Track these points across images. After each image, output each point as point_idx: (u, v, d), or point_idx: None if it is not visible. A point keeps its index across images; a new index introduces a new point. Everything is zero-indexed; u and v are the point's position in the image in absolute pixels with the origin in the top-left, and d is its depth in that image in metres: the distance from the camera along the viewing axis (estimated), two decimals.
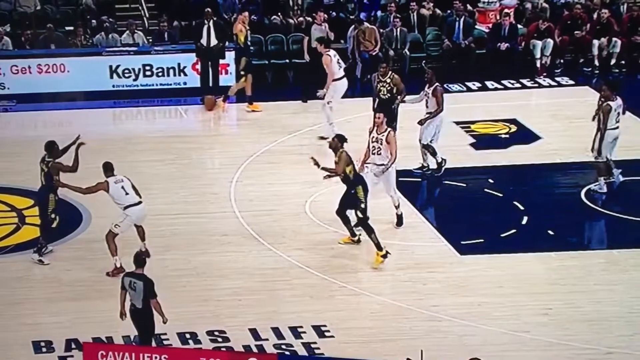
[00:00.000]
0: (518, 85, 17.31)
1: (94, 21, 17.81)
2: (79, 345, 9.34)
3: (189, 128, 15.99)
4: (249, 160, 14.06)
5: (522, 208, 12.51)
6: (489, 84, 17.27)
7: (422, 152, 13.56)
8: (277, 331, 9.85)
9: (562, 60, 18.05)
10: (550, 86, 17.39)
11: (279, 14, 18.33)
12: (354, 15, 18.33)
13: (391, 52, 17.51)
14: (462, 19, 17.89)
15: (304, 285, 10.76)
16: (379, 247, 11.10)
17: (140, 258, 9.03)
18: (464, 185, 13.37)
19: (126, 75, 16.80)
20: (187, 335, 9.78)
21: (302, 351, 9.52)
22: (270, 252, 11.44)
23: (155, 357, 8.32)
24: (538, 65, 17.78)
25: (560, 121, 15.62)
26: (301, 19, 18.16)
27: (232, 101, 16.34)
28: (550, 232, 11.88)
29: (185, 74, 16.92)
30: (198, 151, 14.70)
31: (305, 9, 18.40)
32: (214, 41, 16.30)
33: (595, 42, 17.92)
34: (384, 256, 11.08)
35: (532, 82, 17.47)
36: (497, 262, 11.22)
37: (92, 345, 9.01)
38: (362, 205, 11.16)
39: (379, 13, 18.48)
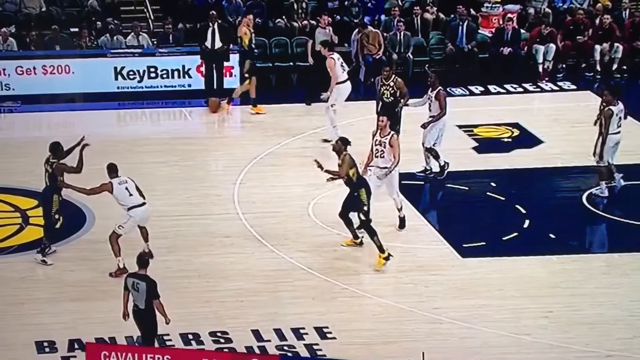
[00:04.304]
0: (520, 89, 17.35)
1: (99, 23, 17.86)
2: (82, 346, 9.36)
3: (193, 130, 16.04)
4: (253, 162, 14.11)
5: (523, 211, 12.55)
6: (491, 88, 17.32)
7: (425, 155, 13.60)
8: (279, 332, 9.89)
9: (564, 65, 18.09)
10: (553, 91, 17.43)
11: (283, 17, 18.39)
12: (357, 18, 18.38)
13: (395, 56, 17.56)
14: (465, 24, 17.94)
15: (306, 287, 10.80)
16: (381, 249, 11.14)
17: (144, 259, 9.07)
18: (466, 188, 13.41)
19: (131, 77, 16.86)
20: (190, 336, 9.82)
21: (304, 352, 9.55)
22: (272, 254, 11.48)
23: (158, 358, 8.35)
24: (540, 69, 17.83)
25: (562, 125, 15.66)
26: (305, 22, 18.22)
27: (236, 103, 16.39)
28: (551, 235, 11.92)
29: (190, 76, 16.98)
30: (202, 153, 14.75)
31: (310, 12, 18.45)
32: (218, 44, 16.36)
33: (597, 47, 17.97)
34: (386, 258, 11.12)
35: (535, 86, 17.51)
36: (498, 265, 11.26)
37: (95, 345, 9.04)
38: (365, 208, 11.20)
39: (382, 17, 18.53)
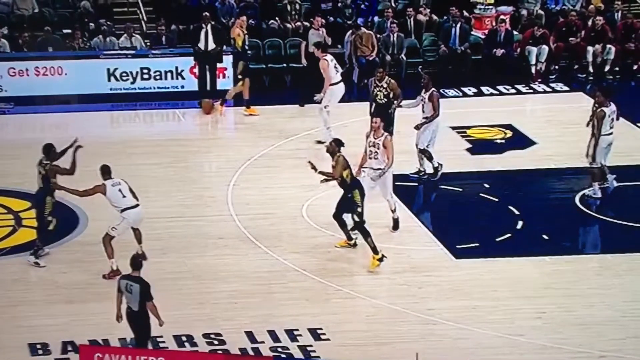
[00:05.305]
0: (513, 90, 17.38)
1: (91, 24, 17.83)
2: (75, 348, 9.36)
3: (186, 131, 16.02)
4: (246, 163, 14.11)
5: (517, 213, 12.57)
6: (484, 89, 17.35)
7: (418, 156, 13.62)
8: (273, 334, 9.89)
9: (556, 67, 18.13)
10: (545, 92, 17.47)
11: (277, 18, 18.39)
12: (351, 20, 18.39)
13: (388, 57, 17.57)
14: (458, 25, 17.97)
15: (300, 289, 10.80)
16: (375, 250, 11.15)
17: (137, 261, 9.07)
18: (460, 189, 13.43)
19: (124, 78, 16.84)
20: (184, 338, 9.81)
21: (298, 354, 9.55)
22: (266, 256, 11.48)
23: None
24: (533, 71, 17.86)
25: (554, 127, 15.69)
26: (299, 23, 18.23)
27: (229, 105, 16.38)
28: (544, 236, 11.95)
29: (183, 78, 16.96)
30: (195, 154, 14.74)
31: (303, 13, 18.46)
32: (211, 45, 16.35)
33: (590, 48, 18.02)
34: (380, 260, 11.13)
35: (527, 88, 17.55)
36: (492, 266, 11.28)
37: (88, 347, 9.02)
38: (359, 209, 11.21)
39: (376, 18, 18.54)
